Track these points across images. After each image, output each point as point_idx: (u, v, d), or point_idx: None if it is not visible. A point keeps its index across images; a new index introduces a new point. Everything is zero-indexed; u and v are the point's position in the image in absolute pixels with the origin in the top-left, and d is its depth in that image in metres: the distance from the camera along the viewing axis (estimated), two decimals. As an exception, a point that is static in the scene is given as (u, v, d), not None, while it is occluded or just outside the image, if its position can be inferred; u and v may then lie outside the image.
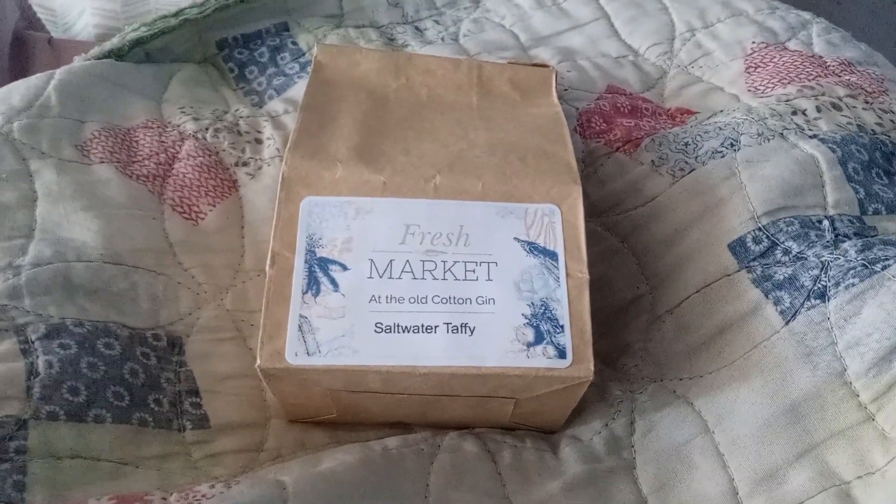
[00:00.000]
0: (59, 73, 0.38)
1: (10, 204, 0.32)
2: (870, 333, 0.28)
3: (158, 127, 0.37)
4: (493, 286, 0.27)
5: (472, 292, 0.27)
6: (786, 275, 0.30)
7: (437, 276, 0.27)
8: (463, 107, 0.33)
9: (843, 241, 0.31)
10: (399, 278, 0.27)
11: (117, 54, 0.41)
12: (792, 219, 0.32)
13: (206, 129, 0.38)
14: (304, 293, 0.27)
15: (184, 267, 0.33)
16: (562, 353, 0.26)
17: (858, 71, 0.40)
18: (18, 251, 0.31)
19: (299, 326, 0.26)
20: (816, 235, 0.31)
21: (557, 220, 0.29)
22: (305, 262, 0.27)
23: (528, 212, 0.29)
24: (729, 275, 0.31)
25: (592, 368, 0.26)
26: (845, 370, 0.28)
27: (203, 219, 0.35)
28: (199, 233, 0.34)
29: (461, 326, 0.27)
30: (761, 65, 0.41)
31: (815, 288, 0.29)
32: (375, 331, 0.26)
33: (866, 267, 0.29)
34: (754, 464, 0.28)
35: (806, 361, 0.28)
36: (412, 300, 0.27)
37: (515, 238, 0.28)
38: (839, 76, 0.40)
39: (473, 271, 0.28)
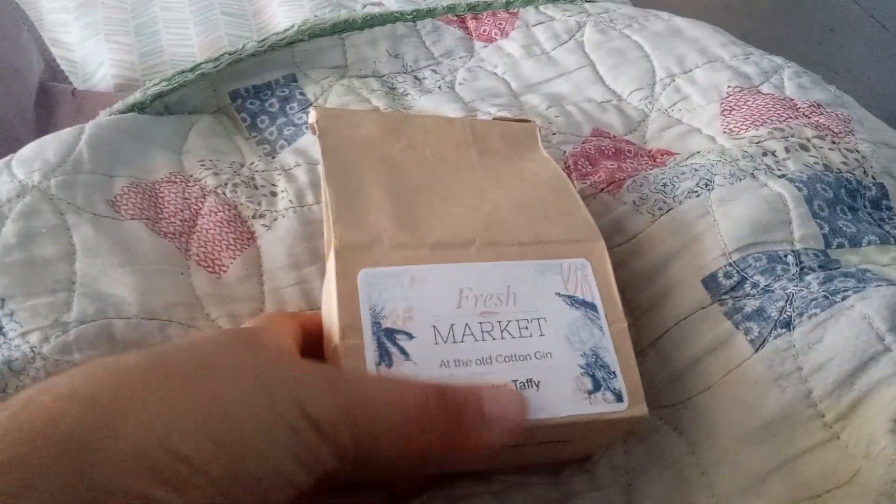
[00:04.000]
0: (89, 127, 0.41)
1: (52, 258, 0.35)
2: (831, 359, 0.30)
3: (181, 182, 0.40)
4: (546, 341, 0.29)
5: (530, 348, 0.28)
6: (754, 307, 0.33)
7: (496, 336, 0.28)
8: (468, 166, 0.35)
9: (808, 274, 0.34)
10: (462, 342, 0.28)
11: (139, 107, 0.45)
12: (760, 254, 0.34)
13: (226, 184, 0.40)
14: (378, 365, 0.27)
15: (211, 318, 0.36)
16: (619, 397, 0.28)
17: (827, 112, 0.43)
18: (63, 306, 0.33)
19: None
20: (782, 269, 0.34)
21: (590, 273, 0.31)
22: (373, 334, 0.27)
23: (563, 267, 0.31)
24: (704, 307, 0.34)
25: (646, 408, 0.29)
26: (811, 392, 0.30)
27: (226, 271, 0.37)
28: (222, 285, 0.37)
29: (527, 382, 0.28)
30: (736, 108, 0.44)
31: (781, 318, 0.32)
32: None
33: (827, 298, 0.32)
34: (731, 482, 0.30)
35: (775, 385, 0.31)
36: (478, 361, 0.28)
37: (557, 293, 0.30)
38: (808, 118, 0.42)
39: (527, 328, 0.29)
